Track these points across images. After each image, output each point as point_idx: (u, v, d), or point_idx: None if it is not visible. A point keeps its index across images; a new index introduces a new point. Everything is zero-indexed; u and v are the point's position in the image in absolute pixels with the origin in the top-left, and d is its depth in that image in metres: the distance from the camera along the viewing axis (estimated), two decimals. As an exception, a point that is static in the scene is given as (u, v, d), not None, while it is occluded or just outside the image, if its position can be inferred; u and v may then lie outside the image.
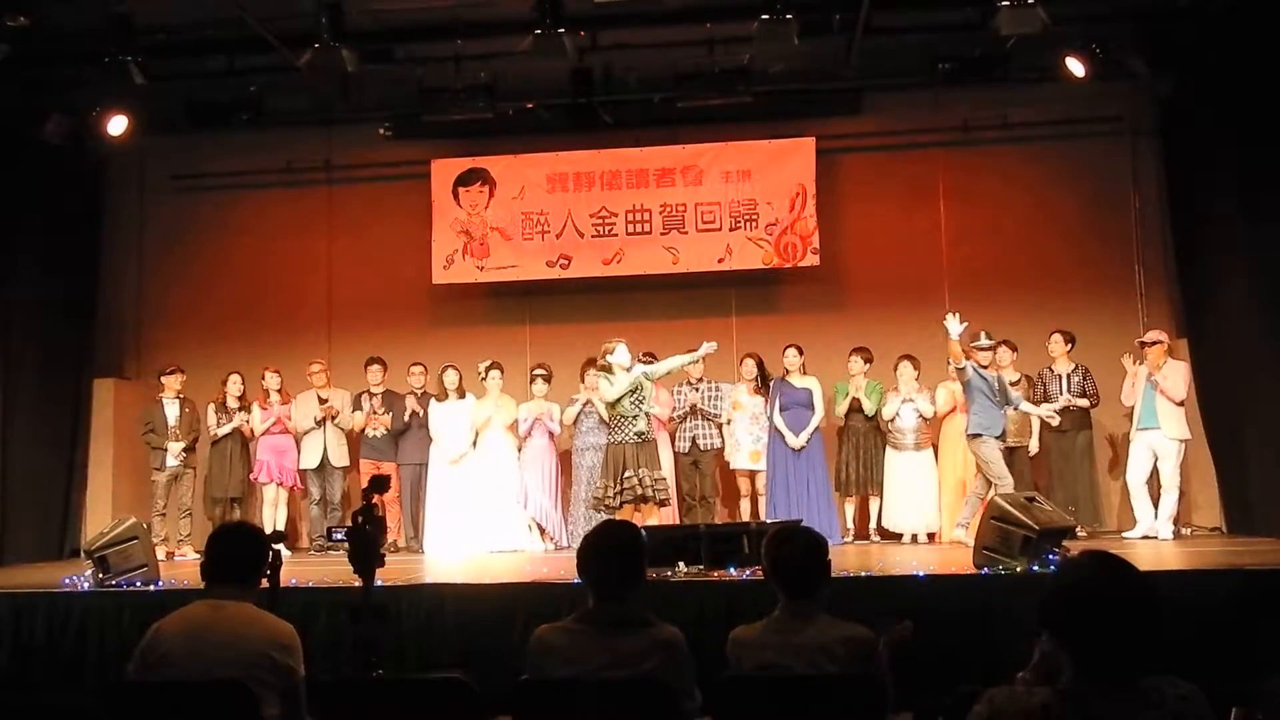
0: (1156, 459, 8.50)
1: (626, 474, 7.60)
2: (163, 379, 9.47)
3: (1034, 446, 8.97)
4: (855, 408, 9.00)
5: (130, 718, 3.28)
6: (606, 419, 8.10)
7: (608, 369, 7.74)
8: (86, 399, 10.17)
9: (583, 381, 9.16)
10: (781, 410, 9.06)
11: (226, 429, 9.42)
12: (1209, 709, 2.11)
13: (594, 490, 8.05)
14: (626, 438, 7.67)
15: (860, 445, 9.00)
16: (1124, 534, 8.57)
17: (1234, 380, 8.54)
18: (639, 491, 7.57)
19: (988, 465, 7.85)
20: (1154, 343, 8.57)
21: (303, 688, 3.35)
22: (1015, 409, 8.21)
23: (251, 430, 9.52)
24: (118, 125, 9.40)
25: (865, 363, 9.06)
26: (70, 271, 10.23)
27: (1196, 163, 9.21)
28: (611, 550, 3.28)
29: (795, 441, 8.93)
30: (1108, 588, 2.14)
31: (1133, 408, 8.68)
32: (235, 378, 9.51)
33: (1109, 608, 2.11)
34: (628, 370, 7.69)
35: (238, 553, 3.57)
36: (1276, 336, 8.04)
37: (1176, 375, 8.48)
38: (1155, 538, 8.35)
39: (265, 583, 3.96)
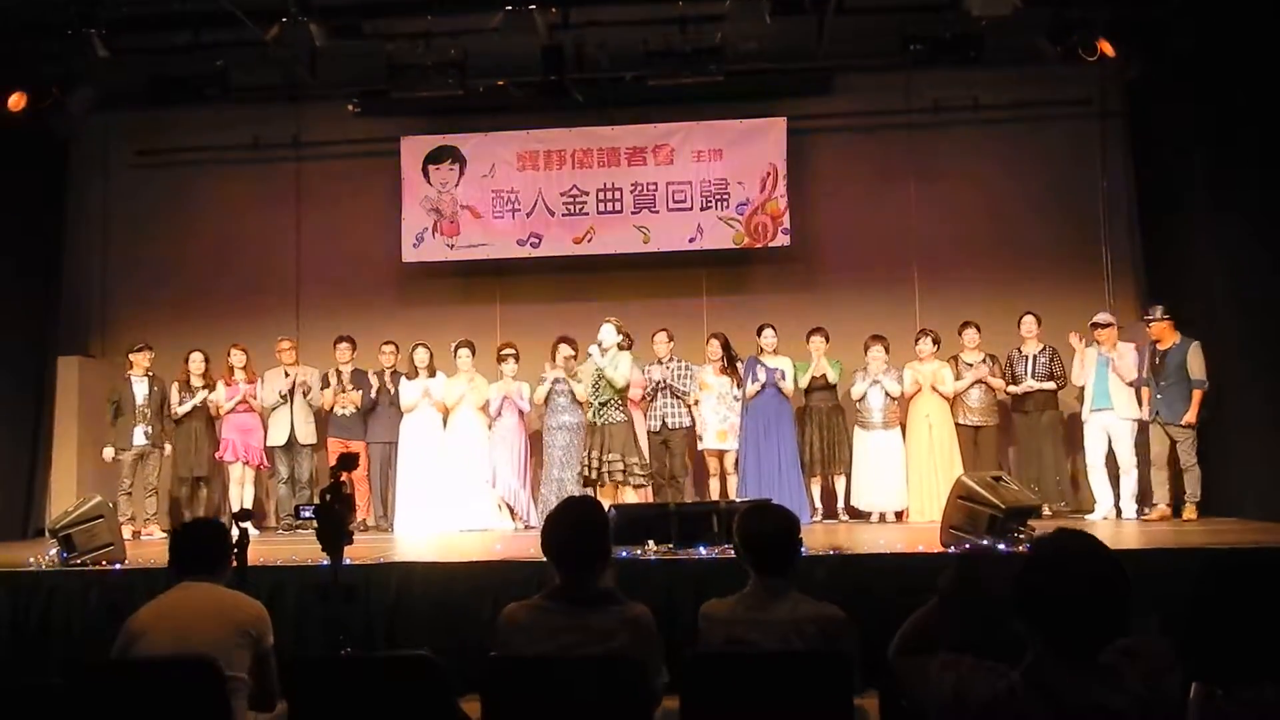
0: (1111, 440, 8.60)
1: (592, 454, 8.02)
2: (131, 356, 9.36)
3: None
4: (817, 386, 9.02)
5: (98, 696, 3.27)
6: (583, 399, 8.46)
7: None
8: (51, 377, 10.05)
9: (552, 361, 9.14)
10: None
11: (187, 407, 9.33)
12: (1175, 665, 2.13)
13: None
14: (596, 420, 8.11)
15: (823, 425, 9.03)
16: (1086, 516, 8.65)
17: (1198, 362, 8.62)
18: (586, 474, 8.08)
19: None
20: (1106, 325, 8.66)
21: (274, 656, 3.55)
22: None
23: (217, 409, 9.44)
24: (81, 100, 9.26)
25: (825, 342, 9.09)
26: (33, 248, 10.11)
27: (1164, 146, 9.28)
28: (575, 527, 3.28)
29: (786, 386, 8.96)
30: (1084, 564, 2.15)
31: (1083, 388, 8.77)
32: (197, 356, 9.42)
33: (1085, 583, 2.12)
34: (603, 351, 7.99)
35: (204, 547, 3.73)
36: (1242, 319, 8.13)
37: (1127, 357, 8.59)
38: (1119, 518, 8.46)
39: (234, 562, 4.01)
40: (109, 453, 9.20)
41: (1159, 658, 2.14)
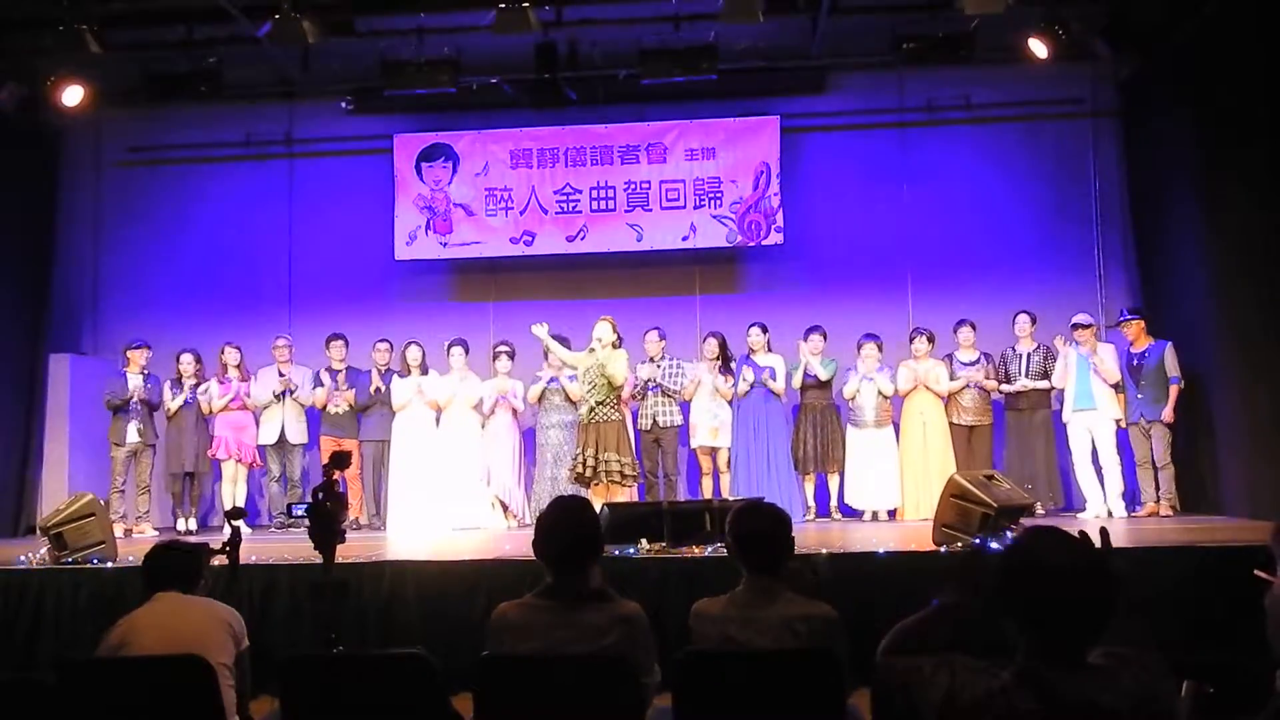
0: (1094, 440, 8.64)
1: (586, 452, 7.93)
2: (128, 353, 9.34)
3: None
4: (811, 384, 9.01)
5: (88, 694, 3.28)
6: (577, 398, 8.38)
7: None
8: (42, 374, 10.01)
9: (546, 359, 9.14)
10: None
11: (178, 401, 9.30)
12: (1165, 676, 2.14)
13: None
14: (590, 419, 8.04)
15: (817, 423, 9.02)
16: (1078, 514, 8.68)
17: (1189, 362, 8.64)
18: (580, 471, 7.98)
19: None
20: (1087, 325, 8.70)
21: (248, 661, 3.72)
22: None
23: (210, 406, 9.43)
24: (74, 96, 9.23)
25: (823, 340, 9.09)
26: (25, 244, 10.08)
27: (1156, 145, 9.29)
28: (566, 526, 3.29)
29: (775, 385, 8.96)
30: (1059, 563, 2.15)
31: (1063, 389, 8.80)
32: (187, 356, 9.37)
33: (1062, 582, 2.12)
34: (602, 346, 7.94)
35: (176, 569, 3.83)
36: (1231, 318, 8.14)
37: (1108, 357, 8.63)
38: (1109, 516, 8.49)
39: (225, 559, 4.04)
40: (119, 454, 9.16)
41: (1153, 662, 2.14)
